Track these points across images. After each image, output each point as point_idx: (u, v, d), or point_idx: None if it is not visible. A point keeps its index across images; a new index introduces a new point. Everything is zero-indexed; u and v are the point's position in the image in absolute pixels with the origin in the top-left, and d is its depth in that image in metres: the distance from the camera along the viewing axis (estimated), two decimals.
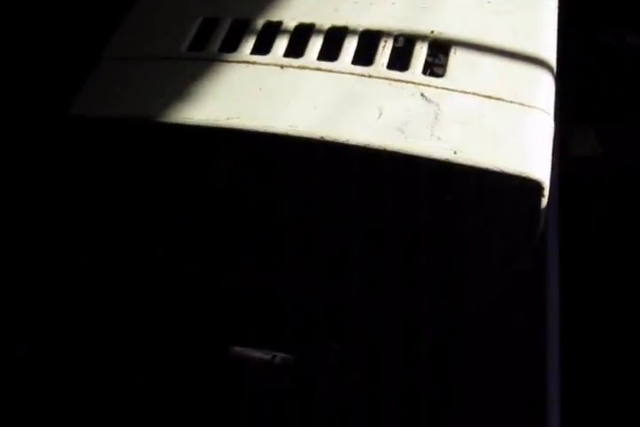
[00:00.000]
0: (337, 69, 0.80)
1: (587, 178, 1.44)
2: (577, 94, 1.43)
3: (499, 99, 0.79)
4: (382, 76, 0.79)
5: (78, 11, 1.58)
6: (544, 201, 0.77)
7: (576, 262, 1.28)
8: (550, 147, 0.77)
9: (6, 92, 1.54)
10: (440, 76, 0.80)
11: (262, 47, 0.83)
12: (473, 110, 0.77)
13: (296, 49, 0.82)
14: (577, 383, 1.16)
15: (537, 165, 0.75)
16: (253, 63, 0.81)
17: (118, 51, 0.88)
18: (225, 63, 0.82)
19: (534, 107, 0.79)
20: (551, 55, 0.84)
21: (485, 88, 0.79)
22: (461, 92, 0.79)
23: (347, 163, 0.83)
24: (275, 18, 0.85)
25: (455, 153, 0.74)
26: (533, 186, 0.75)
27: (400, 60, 0.82)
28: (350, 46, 0.82)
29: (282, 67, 0.81)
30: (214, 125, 0.78)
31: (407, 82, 0.79)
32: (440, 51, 0.82)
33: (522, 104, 0.78)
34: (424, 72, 0.80)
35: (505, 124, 0.77)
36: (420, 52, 0.81)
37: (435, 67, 0.82)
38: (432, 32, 0.83)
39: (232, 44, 0.83)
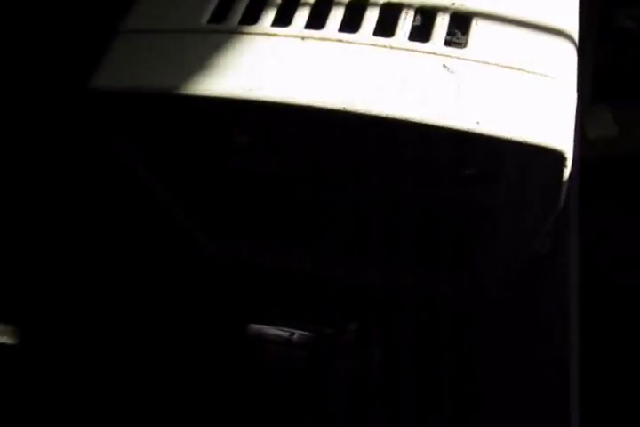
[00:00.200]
0: (358, 41, 0.79)
1: (602, 160, 1.43)
2: (593, 74, 1.42)
3: (521, 69, 0.78)
4: (404, 47, 0.79)
5: None
6: (567, 172, 0.77)
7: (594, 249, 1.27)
8: (573, 118, 0.77)
9: (22, 69, 1.53)
10: (462, 47, 0.80)
11: (283, 19, 0.82)
12: (495, 81, 0.77)
13: (317, 21, 0.82)
14: (599, 375, 1.15)
15: (560, 136, 0.74)
16: (274, 35, 0.81)
17: (136, 23, 0.87)
18: (245, 35, 0.81)
19: (556, 77, 0.78)
20: (573, 27, 0.83)
21: (507, 59, 0.78)
22: (483, 62, 0.78)
23: (366, 136, 0.83)
24: None
25: (478, 123, 0.74)
26: (556, 156, 0.75)
27: (421, 33, 0.81)
28: (371, 18, 0.81)
29: (303, 38, 0.80)
30: (235, 97, 0.78)
31: (429, 53, 0.78)
32: (461, 22, 0.82)
33: (544, 75, 0.78)
34: (446, 43, 0.80)
35: (527, 94, 0.76)
36: (442, 24, 0.81)
37: (456, 38, 0.82)
38: (453, 4, 0.82)
39: (252, 17, 0.83)
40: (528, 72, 0.78)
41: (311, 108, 0.76)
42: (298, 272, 1.11)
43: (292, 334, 1.06)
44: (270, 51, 0.80)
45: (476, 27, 0.81)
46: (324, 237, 0.99)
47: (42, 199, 1.43)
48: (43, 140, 1.49)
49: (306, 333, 1.06)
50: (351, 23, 0.81)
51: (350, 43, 0.79)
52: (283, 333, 1.06)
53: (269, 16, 0.83)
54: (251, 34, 0.81)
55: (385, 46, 0.79)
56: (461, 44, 0.80)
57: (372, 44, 0.79)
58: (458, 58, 0.78)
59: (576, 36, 0.83)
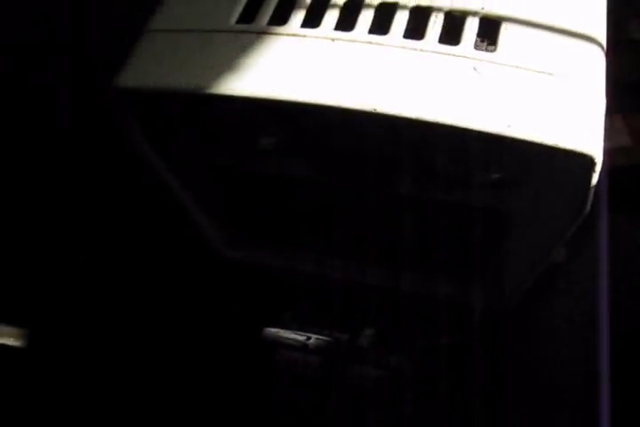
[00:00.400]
0: (388, 43, 0.79)
1: (615, 170, 1.43)
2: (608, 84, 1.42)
3: (550, 74, 0.78)
4: (434, 50, 0.79)
5: None
6: (595, 177, 0.76)
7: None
8: (603, 122, 0.77)
9: (45, 67, 1.53)
10: (491, 51, 0.80)
11: (312, 20, 0.82)
12: (525, 85, 0.77)
13: (346, 23, 0.82)
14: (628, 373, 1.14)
15: (590, 140, 0.74)
16: (304, 36, 0.81)
17: (163, 23, 0.86)
18: (275, 36, 0.81)
19: (585, 82, 0.78)
20: (601, 33, 0.83)
21: (537, 63, 0.78)
22: (513, 66, 0.78)
23: (396, 138, 0.82)
24: None
25: (509, 127, 0.73)
26: (586, 161, 0.74)
27: (451, 36, 0.81)
28: (401, 20, 0.81)
29: (332, 40, 0.80)
30: (263, 98, 0.77)
31: (459, 56, 0.78)
32: (491, 27, 0.82)
33: (573, 79, 0.78)
34: (475, 47, 0.80)
35: (557, 98, 0.76)
36: (471, 28, 0.81)
37: (485, 42, 0.82)
38: (482, 8, 0.82)
39: (282, 18, 0.83)
40: (557, 76, 0.78)
41: (341, 110, 0.75)
42: (312, 276, 1.11)
43: (309, 338, 1.05)
44: (300, 52, 0.80)
45: (506, 31, 0.81)
46: (350, 242, 0.98)
47: (42, 199, 1.42)
48: (43, 140, 1.49)
49: (322, 337, 1.05)
50: (381, 25, 0.81)
51: (380, 45, 0.79)
52: (299, 337, 1.05)
53: (299, 17, 0.83)
54: (280, 35, 0.81)
55: (415, 49, 0.79)
56: (491, 48, 0.80)
57: (402, 47, 0.79)
58: (488, 61, 0.78)
59: (604, 41, 0.83)
